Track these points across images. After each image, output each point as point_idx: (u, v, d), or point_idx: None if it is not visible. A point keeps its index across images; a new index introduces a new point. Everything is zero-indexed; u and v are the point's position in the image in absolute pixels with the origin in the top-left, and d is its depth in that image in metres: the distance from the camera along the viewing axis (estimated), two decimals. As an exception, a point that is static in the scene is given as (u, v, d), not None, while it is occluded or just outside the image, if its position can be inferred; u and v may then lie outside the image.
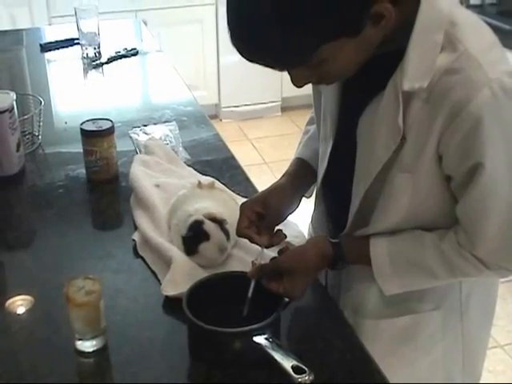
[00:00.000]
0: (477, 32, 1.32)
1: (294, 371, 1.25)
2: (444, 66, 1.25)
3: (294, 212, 1.63)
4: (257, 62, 1.24)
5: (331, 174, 1.60)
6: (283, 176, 1.67)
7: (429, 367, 1.62)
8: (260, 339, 1.33)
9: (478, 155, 1.27)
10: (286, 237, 1.56)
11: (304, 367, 1.25)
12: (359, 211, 1.48)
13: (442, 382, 1.64)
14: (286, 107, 5.49)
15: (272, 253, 1.54)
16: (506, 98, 1.24)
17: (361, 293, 1.58)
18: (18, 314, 1.57)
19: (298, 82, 1.32)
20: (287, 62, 1.25)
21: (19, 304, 1.59)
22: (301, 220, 1.78)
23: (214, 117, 5.29)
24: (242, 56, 1.24)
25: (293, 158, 1.73)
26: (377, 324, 1.58)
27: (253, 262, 1.52)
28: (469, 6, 3.74)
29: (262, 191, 1.64)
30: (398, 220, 1.43)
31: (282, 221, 1.60)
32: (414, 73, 1.27)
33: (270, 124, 5.38)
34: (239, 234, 1.56)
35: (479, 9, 3.72)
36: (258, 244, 1.54)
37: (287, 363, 1.27)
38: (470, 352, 1.66)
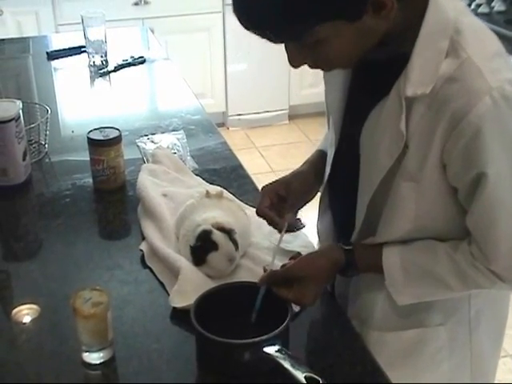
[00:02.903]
0: (481, 40, 1.30)
1: (307, 382, 1.23)
2: (446, 73, 1.24)
3: (312, 199, 1.64)
4: (255, 33, 1.24)
5: (335, 181, 1.60)
6: (304, 164, 1.69)
7: (434, 379, 1.59)
8: (270, 350, 1.32)
9: (480, 165, 1.26)
10: (304, 226, 1.57)
11: (317, 377, 1.24)
12: (365, 220, 1.46)
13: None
14: (294, 115, 5.48)
15: (280, 263, 1.53)
16: (507, 107, 1.23)
17: (368, 303, 1.57)
18: (25, 324, 1.56)
19: (293, 61, 1.31)
20: (283, 35, 1.25)
21: (25, 313, 1.58)
22: (310, 230, 1.76)
23: (221, 125, 5.28)
24: (242, 25, 1.25)
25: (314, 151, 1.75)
26: (382, 336, 1.56)
27: (264, 267, 1.51)
28: (477, 15, 3.72)
29: (284, 176, 1.64)
30: (405, 230, 1.41)
31: (302, 206, 1.61)
32: (418, 79, 1.26)
33: (278, 132, 5.37)
34: (259, 213, 1.56)
35: (487, 17, 3.71)
36: (275, 227, 1.54)
37: (300, 373, 1.25)
38: (479, 371, 1.63)
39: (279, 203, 1.57)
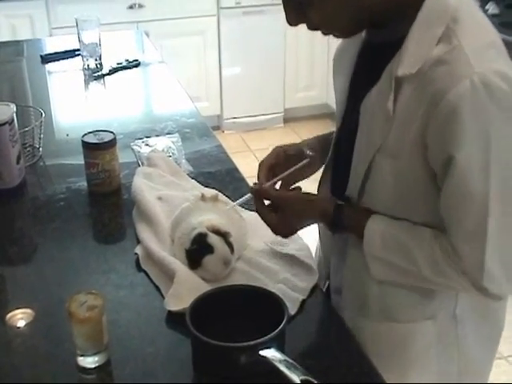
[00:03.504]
0: (477, 31, 1.32)
1: (303, 385, 1.23)
2: (435, 56, 1.27)
3: (310, 176, 1.69)
4: None
5: (337, 160, 1.62)
6: (314, 138, 1.74)
7: (424, 380, 1.59)
8: (266, 353, 1.31)
9: (451, 147, 1.27)
10: (301, 189, 1.61)
11: (313, 380, 1.24)
12: (358, 197, 1.48)
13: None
14: (289, 118, 5.48)
15: (276, 266, 1.52)
16: (486, 94, 1.23)
17: (362, 294, 1.57)
18: (19, 328, 1.55)
19: (290, 20, 1.39)
20: None
21: (19, 317, 1.57)
22: (307, 232, 1.76)
23: (217, 128, 5.28)
24: None
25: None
26: (377, 326, 1.57)
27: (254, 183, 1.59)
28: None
29: (293, 143, 1.71)
30: (387, 207, 1.43)
31: (299, 179, 1.65)
32: (409, 61, 1.30)
33: (273, 135, 5.36)
34: (261, 164, 1.61)
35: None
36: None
37: (296, 377, 1.25)
38: (466, 371, 1.62)
39: (285, 163, 1.62)
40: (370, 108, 1.42)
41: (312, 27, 1.39)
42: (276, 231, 1.56)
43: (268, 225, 1.54)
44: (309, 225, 1.58)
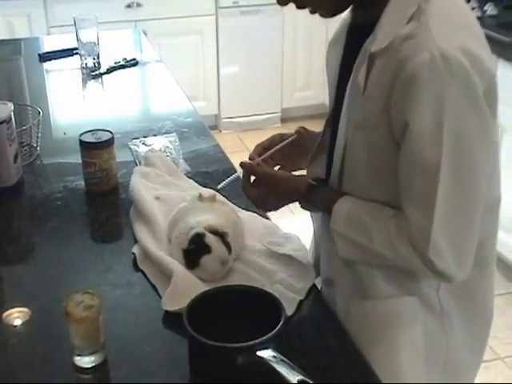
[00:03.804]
0: (449, 12, 1.38)
1: (300, 386, 1.23)
2: (405, 33, 1.33)
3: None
4: None
5: (324, 146, 1.66)
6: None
7: (410, 356, 1.59)
8: (263, 354, 1.31)
9: (407, 114, 1.31)
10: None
11: (310, 381, 1.23)
12: (339, 176, 1.53)
13: (423, 369, 1.61)
14: (286, 118, 5.47)
15: (273, 266, 1.52)
16: (444, 66, 1.27)
17: (347, 276, 1.60)
18: (15, 327, 1.55)
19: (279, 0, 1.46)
20: None
21: (16, 316, 1.57)
22: (304, 233, 1.76)
23: (214, 128, 5.27)
24: None
25: None
26: (363, 304, 1.59)
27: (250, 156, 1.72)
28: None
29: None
30: (362, 183, 1.48)
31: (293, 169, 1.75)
32: (381, 38, 1.36)
33: (270, 135, 5.34)
34: (257, 145, 1.77)
35: (479, 21, 3.69)
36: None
37: (293, 377, 1.24)
38: (456, 350, 1.62)
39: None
40: (349, 85, 1.48)
41: (300, 5, 1.46)
42: (256, 205, 1.71)
43: (249, 198, 1.67)
44: (286, 202, 1.66)
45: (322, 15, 1.49)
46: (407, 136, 1.33)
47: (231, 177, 1.74)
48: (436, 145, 1.31)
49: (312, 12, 1.48)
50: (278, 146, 1.73)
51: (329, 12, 1.47)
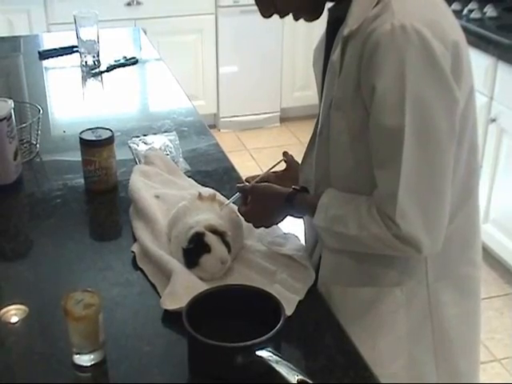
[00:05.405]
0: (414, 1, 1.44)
1: (299, 385, 1.23)
2: (372, 15, 1.41)
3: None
4: None
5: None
6: None
7: (391, 343, 1.61)
8: (263, 353, 1.31)
9: (373, 78, 1.38)
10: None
11: (309, 381, 1.24)
12: (325, 168, 1.57)
13: (405, 360, 1.62)
14: (285, 118, 5.48)
15: (273, 267, 1.52)
16: (403, 36, 1.34)
17: (334, 264, 1.63)
18: (13, 324, 1.55)
19: (263, 11, 1.58)
20: None
21: (13, 313, 1.56)
22: (302, 234, 1.76)
23: (213, 127, 5.27)
24: None
25: None
26: (344, 291, 1.61)
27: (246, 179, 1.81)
28: (469, 20, 3.73)
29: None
30: (347, 167, 1.52)
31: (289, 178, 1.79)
32: (352, 21, 1.43)
33: (269, 135, 5.36)
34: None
35: (479, 22, 3.70)
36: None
37: (292, 377, 1.25)
38: (441, 339, 1.63)
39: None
40: (327, 70, 1.53)
41: (282, 14, 1.57)
42: (245, 219, 1.73)
43: (240, 213, 1.73)
44: (275, 214, 1.70)
45: (305, 20, 1.57)
46: (374, 100, 1.38)
47: (234, 195, 1.77)
48: (399, 107, 1.36)
49: (296, 18, 1.58)
50: (270, 168, 1.82)
51: (310, 15, 1.55)
